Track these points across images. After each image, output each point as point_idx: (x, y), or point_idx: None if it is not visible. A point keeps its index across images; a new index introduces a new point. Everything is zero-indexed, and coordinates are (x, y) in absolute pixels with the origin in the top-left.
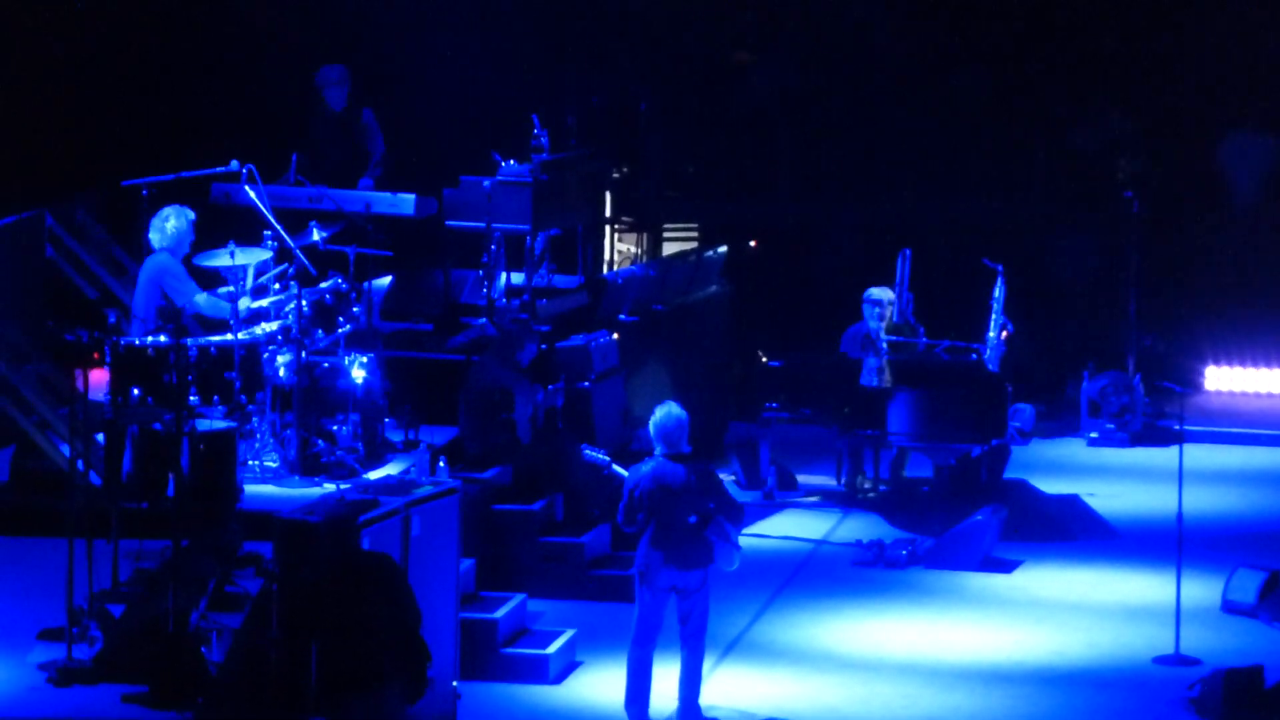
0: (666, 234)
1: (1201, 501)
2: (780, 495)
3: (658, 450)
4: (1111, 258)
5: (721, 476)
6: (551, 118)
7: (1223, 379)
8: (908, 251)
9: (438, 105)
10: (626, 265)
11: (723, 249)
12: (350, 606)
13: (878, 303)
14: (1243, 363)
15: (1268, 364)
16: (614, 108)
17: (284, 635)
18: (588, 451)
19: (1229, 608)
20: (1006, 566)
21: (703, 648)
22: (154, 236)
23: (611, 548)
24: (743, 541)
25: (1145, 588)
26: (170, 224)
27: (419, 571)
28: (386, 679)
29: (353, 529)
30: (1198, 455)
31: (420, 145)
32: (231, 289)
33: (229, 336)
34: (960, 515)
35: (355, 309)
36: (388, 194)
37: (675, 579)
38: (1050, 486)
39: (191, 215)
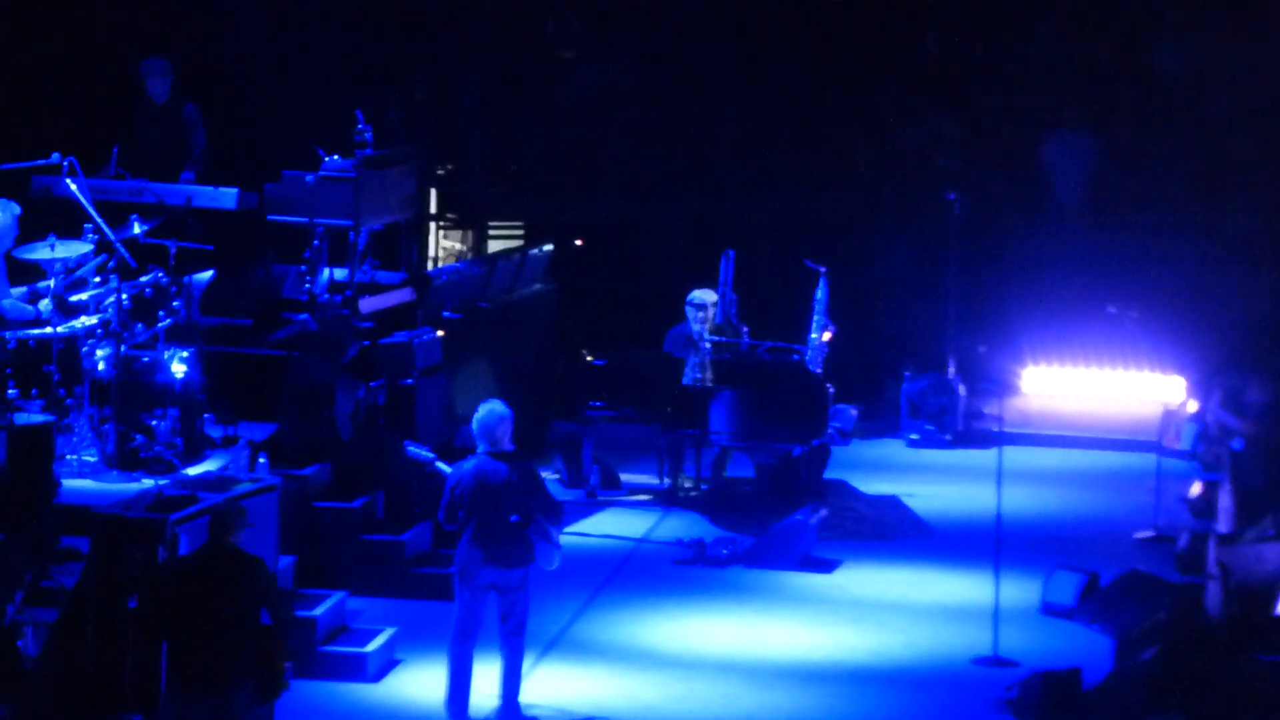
0: (492, 231)
1: (1020, 503)
2: (603, 494)
3: (480, 448)
4: (932, 258)
5: (545, 475)
6: (375, 113)
7: (1041, 380)
8: (731, 253)
9: (261, 99)
10: (451, 262)
11: (548, 247)
12: (212, 601)
13: (701, 305)
14: (1061, 363)
15: (1085, 364)
16: (438, 103)
17: (138, 630)
18: (411, 448)
19: (1047, 609)
20: (826, 566)
21: (523, 646)
22: None
23: (432, 546)
24: (564, 540)
25: (964, 588)
26: None
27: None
28: (241, 676)
29: (231, 521)
30: (1016, 457)
31: (243, 139)
32: (51, 282)
33: (48, 330)
34: (780, 515)
35: (176, 303)
36: (209, 188)
37: (495, 577)
38: (870, 487)
39: (17, 210)
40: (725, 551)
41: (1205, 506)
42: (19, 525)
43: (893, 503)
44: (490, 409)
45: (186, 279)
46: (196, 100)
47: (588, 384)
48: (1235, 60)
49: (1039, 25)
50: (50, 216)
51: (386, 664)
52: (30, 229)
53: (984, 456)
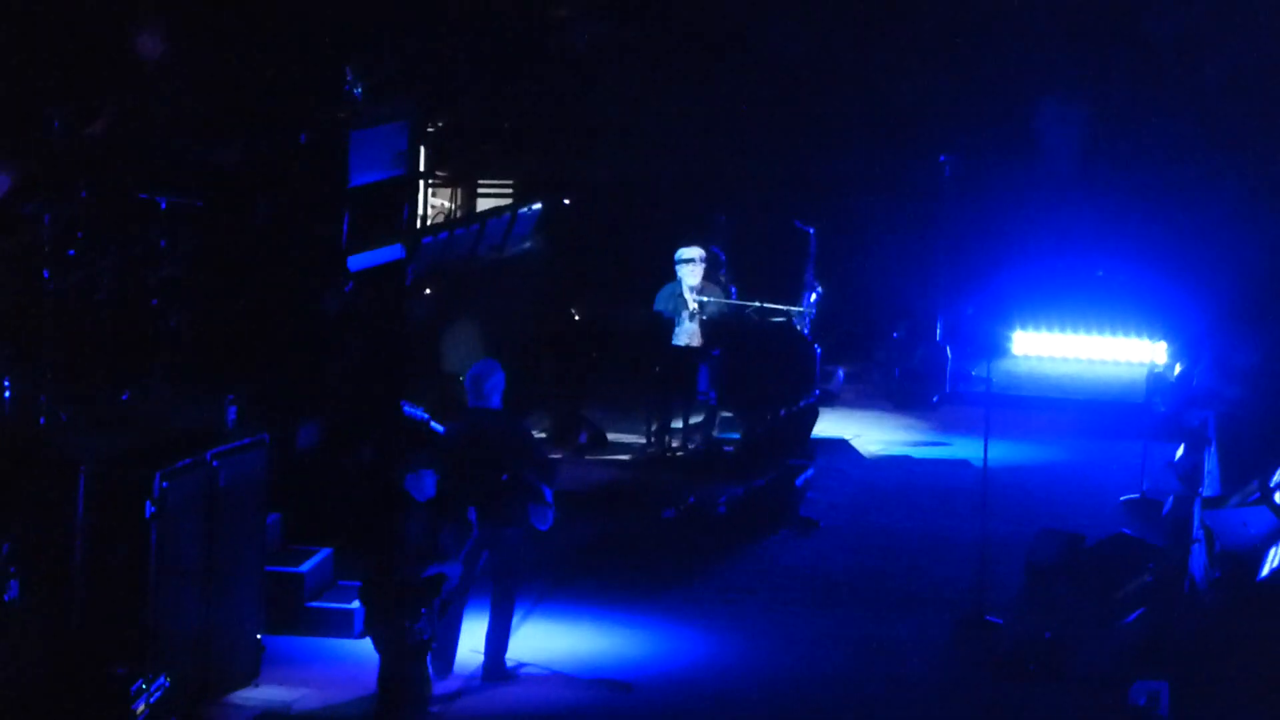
0: (481, 189)
1: (1006, 464)
2: (591, 452)
3: (469, 403)
4: (923, 220)
5: (534, 434)
6: (367, 68)
7: (1030, 343)
8: (723, 216)
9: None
10: (440, 219)
11: (537, 205)
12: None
13: (689, 261)
14: (1049, 326)
15: (1074, 328)
16: (431, 59)
17: None
18: (407, 408)
19: (1031, 569)
20: (809, 528)
21: (513, 607)
22: None
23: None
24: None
25: (948, 550)
26: None
27: (226, 523)
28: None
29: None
30: (1003, 418)
31: None
32: None
33: None
34: (766, 474)
35: None
36: None
37: (487, 535)
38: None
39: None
40: (717, 509)
41: (1191, 470)
42: None
43: (885, 464)
44: (482, 363)
45: None
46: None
47: (576, 343)
48: (1228, 22)
49: None
50: None
51: None
52: None
53: (970, 416)
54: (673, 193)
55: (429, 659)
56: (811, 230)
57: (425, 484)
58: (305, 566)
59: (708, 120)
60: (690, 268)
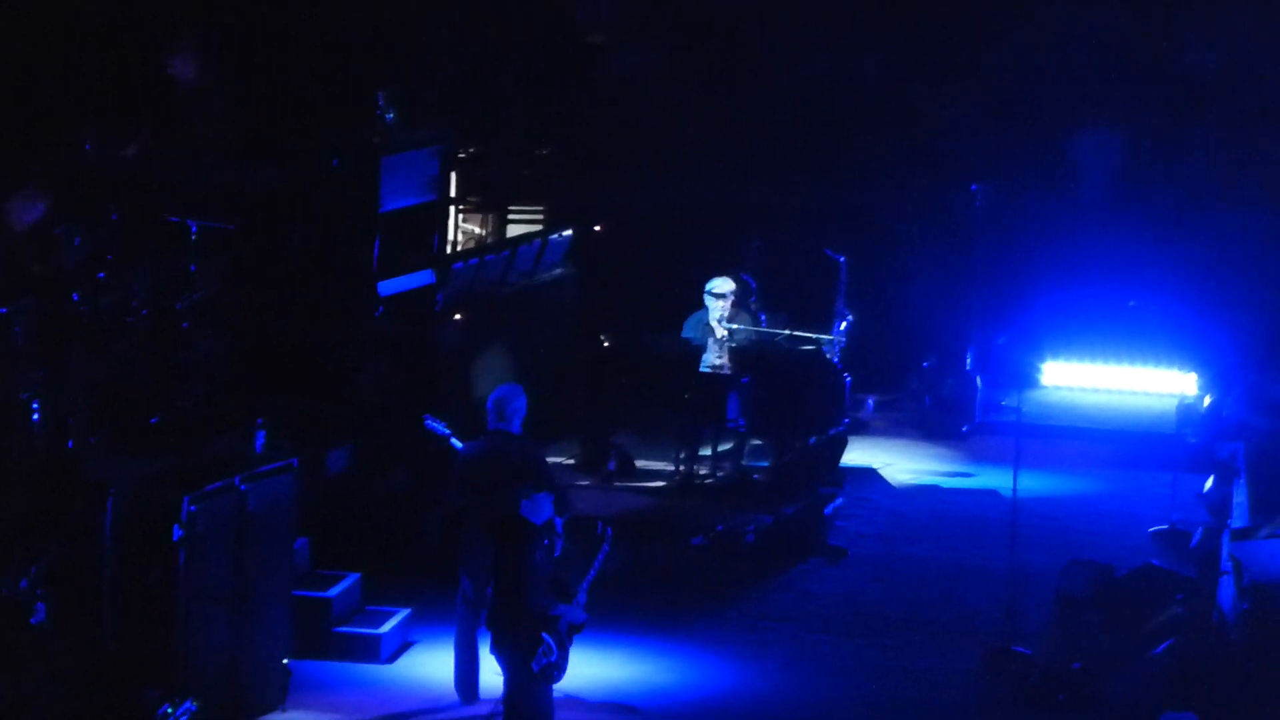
0: (512, 215)
1: (1036, 494)
2: (620, 479)
3: (489, 424)
4: (954, 250)
5: (560, 459)
6: (401, 93)
7: (1061, 373)
8: (757, 242)
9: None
10: (470, 246)
11: (568, 232)
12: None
13: (721, 295)
14: (1080, 357)
15: (1105, 358)
16: (466, 85)
17: None
18: (429, 422)
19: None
20: (837, 556)
21: None
22: None
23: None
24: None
25: (977, 578)
26: None
27: (254, 547)
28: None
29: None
30: (1033, 448)
31: None
32: None
33: None
34: (796, 503)
35: None
36: None
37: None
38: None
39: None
40: (746, 536)
41: (1220, 502)
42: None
43: (915, 493)
44: (505, 387)
45: None
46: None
47: (606, 369)
48: (1263, 55)
49: (1067, 16)
50: None
51: (400, 645)
52: None
53: (1000, 447)
54: (704, 220)
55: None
56: (842, 259)
57: (542, 508)
58: (333, 591)
59: (740, 147)
60: (720, 302)
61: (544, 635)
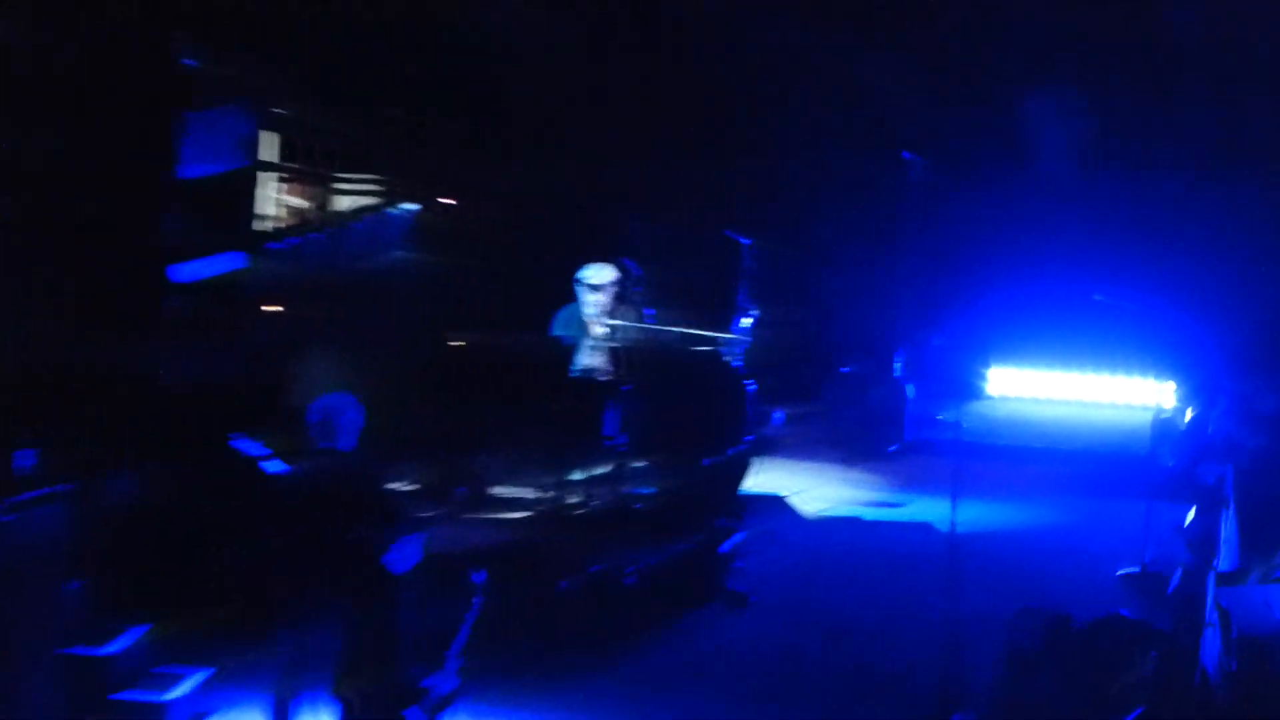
0: (344, 186)
1: (979, 529)
2: (472, 508)
3: (315, 446)
4: (883, 231)
5: (400, 485)
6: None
7: (1009, 381)
8: (636, 224)
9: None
10: (291, 221)
11: (412, 207)
12: None
13: (597, 287)
14: (1034, 362)
15: (1064, 364)
16: (294, 21)
17: None
18: (238, 441)
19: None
20: (738, 603)
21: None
22: None
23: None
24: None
25: (907, 632)
26: None
27: (10, 593)
28: None
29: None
30: (975, 472)
31: None
32: None
33: None
34: (686, 538)
35: None
36: None
37: (328, 601)
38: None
39: None
40: (626, 579)
41: (1204, 537)
42: None
43: (831, 526)
44: (332, 395)
45: None
46: None
47: (457, 374)
48: (1264, 10)
49: None
50: None
51: (194, 716)
52: None
53: (935, 469)
54: (582, 196)
55: None
56: (747, 242)
57: (409, 553)
58: (113, 647)
59: (629, 112)
60: (597, 294)
61: (409, 714)
